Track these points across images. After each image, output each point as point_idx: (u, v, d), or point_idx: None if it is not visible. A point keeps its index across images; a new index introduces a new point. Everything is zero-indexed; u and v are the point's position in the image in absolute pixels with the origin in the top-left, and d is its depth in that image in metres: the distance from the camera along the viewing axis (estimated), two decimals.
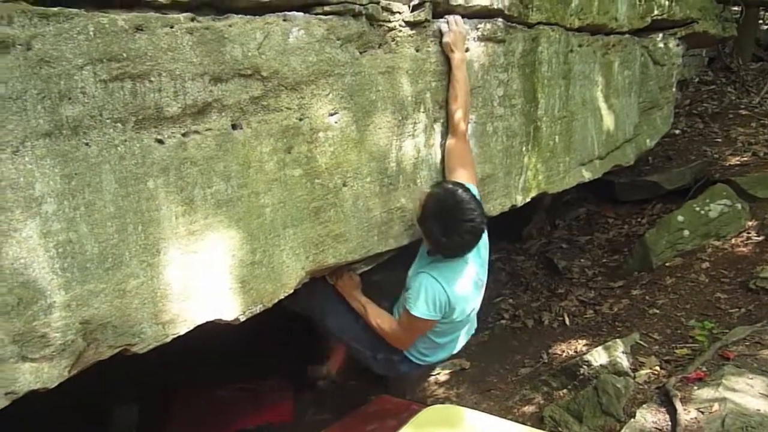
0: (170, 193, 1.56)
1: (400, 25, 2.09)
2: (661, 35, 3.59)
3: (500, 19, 2.42)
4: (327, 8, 1.86)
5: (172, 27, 1.51)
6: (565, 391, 2.85)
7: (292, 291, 1.90)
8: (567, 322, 3.80)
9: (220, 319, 1.72)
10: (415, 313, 2.19)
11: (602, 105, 3.22)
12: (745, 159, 4.87)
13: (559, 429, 2.58)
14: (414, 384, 3.58)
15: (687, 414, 2.19)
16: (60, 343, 1.39)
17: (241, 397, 4.04)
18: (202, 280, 1.65)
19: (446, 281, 2.20)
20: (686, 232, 3.96)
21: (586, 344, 3.45)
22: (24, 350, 1.34)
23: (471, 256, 2.29)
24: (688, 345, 2.93)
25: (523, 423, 2.83)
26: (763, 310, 3.11)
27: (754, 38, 7.16)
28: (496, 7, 2.36)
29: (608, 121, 3.28)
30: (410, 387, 3.56)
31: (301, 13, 1.79)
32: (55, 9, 1.33)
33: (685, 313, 3.37)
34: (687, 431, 2.09)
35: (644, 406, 2.34)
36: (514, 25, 2.52)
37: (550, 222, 5.34)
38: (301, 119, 1.84)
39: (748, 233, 3.92)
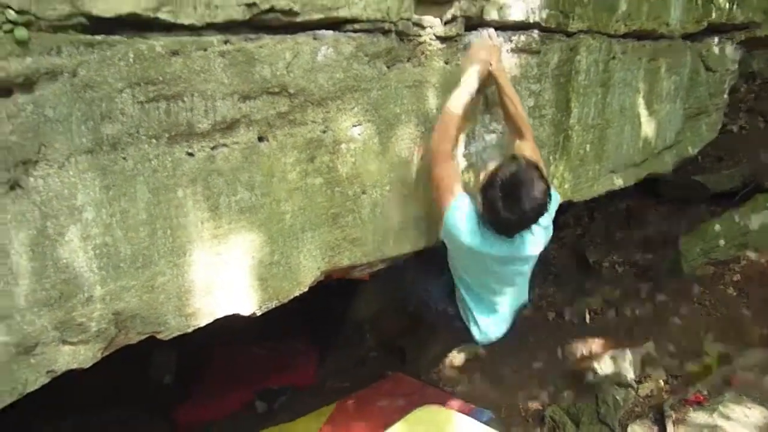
0: (197, 201, 1.72)
1: (431, 39, 2.14)
2: (717, 39, 3.45)
3: (536, 31, 2.43)
4: (357, 26, 1.92)
5: (205, 50, 1.63)
6: (569, 393, 2.95)
7: (306, 288, 2.06)
8: (587, 320, 3.87)
9: (238, 313, 1.90)
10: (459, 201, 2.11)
11: (643, 112, 3.17)
12: None
13: (557, 430, 2.71)
14: (429, 365, 3.76)
15: None
16: (95, 330, 1.60)
17: (269, 356, 4.34)
18: (223, 279, 1.82)
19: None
20: (722, 242, 3.90)
21: (601, 345, 3.53)
22: (64, 335, 1.55)
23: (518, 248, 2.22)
24: (699, 361, 2.97)
25: (525, 419, 2.98)
26: None
27: None
28: (532, 20, 2.36)
29: (647, 128, 3.23)
30: (425, 367, 3.74)
31: (330, 32, 1.88)
32: (100, 37, 1.47)
33: (706, 327, 3.38)
34: None
35: (638, 421, 2.43)
36: (551, 35, 2.51)
37: (589, 213, 5.31)
38: (325, 131, 1.95)
39: None
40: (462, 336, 2.54)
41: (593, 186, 3.01)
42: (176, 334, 1.78)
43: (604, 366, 2.84)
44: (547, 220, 2.26)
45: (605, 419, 2.55)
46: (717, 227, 3.91)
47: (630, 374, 2.79)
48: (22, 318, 1.47)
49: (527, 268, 2.42)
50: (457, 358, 3.77)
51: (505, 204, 2.01)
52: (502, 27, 2.31)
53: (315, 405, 3.46)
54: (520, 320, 4.09)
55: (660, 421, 2.37)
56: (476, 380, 3.51)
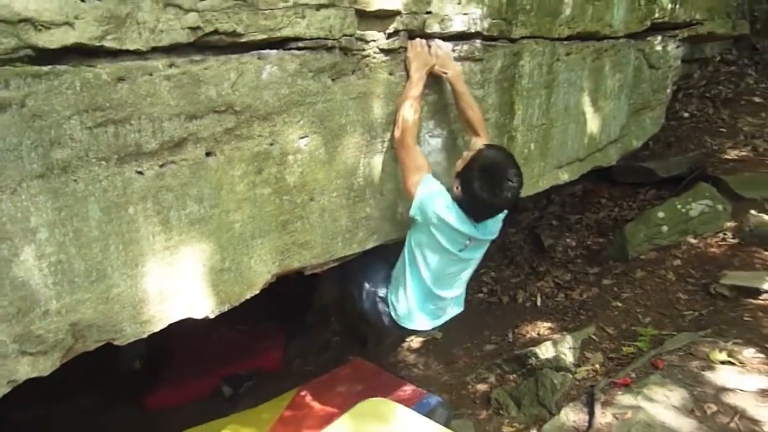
0: (148, 217, 1.82)
1: (374, 53, 2.24)
2: (660, 38, 3.60)
3: (478, 40, 2.54)
4: (301, 44, 2.02)
5: (151, 74, 1.71)
6: (514, 376, 3.16)
7: (258, 291, 2.19)
8: (538, 303, 4.08)
9: (192, 317, 2.02)
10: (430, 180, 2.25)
11: (588, 109, 3.32)
12: (744, 153, 4.90)
13: (501, 411, 2.92)
14: (388, 349, 3.94)
15: (603, 417, 2.48)
16: (52, 341, 1.70)
17: (237, 340, 4.47)
18: (176, 287, 1.94)
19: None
20: (665, 228, 4.12)
21: (549, 328, 3.74)
22: (23, 347, 1.65)
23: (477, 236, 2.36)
24: (635, 344, 3.19)
25: (473, 400, 3.19)
26: (715, 317, 3.32)
27: None
28: (474, 30, 2.48)
29: (592, 124, 3.39)
30: (384, 352, 3.92)
31: (275, 51, 1.97)
32: (47, 68, 1.54)
33: (645, 310, 3.60)
34: None
35: (571, 404, 2.63)
36: (494, 43, 2.63)
37: (546, 196, 5.50)
38: (272, 144, 2.06)
39: (725, 234, 4.06)
40: (384, 320, 2.66)
41: (538, 182, 3.17)
42: (132, 339, 1.89)
43: (545, 351, 3.04)
44: None
45: (543, 401, 2.75)
46: (660, 214, 4.12)
47: (569, 358, 3.00)
48: None
49: (480, 255, 2.56)
50: (414, 341, 3.96)
51: (486, 188, 2.18)
52: (445, 38, 2.42)
53: (280, 389, 3.60)
54: (477, 302, 4.34)
55: (591, 404, 2.58)
56: (431, 363, 3.70)
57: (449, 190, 2.30)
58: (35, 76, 1.52)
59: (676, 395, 2.56)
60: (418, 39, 2.33)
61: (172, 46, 1.78)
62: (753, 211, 4.02)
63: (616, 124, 3.58)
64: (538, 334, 3.67)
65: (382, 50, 2.25)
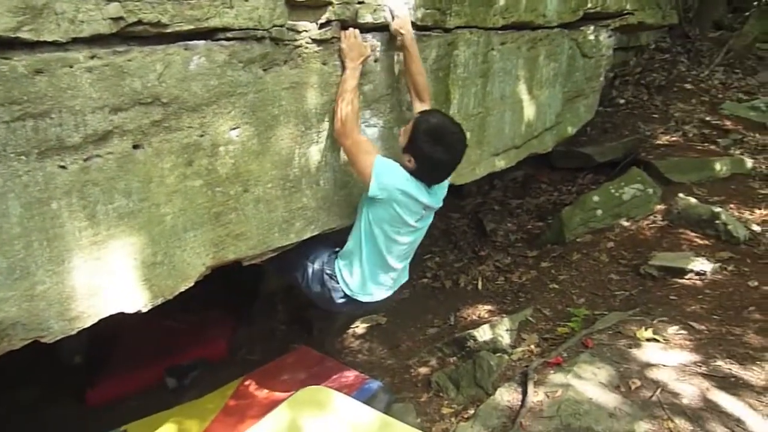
0: (73, 212, 1.78)
1: (307, 43, 2.24)
2: (592, 27, 3.72)
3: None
4: (230, 34, 2.00)
5: (71, 66, 1.67)
6: (454, 359, 3.25)
7: (192, 283, 2.18)
8: (479, 286, 4.19)
9: (123, 312, 2.00)
10: (382, 159, 2.32)
11: (524, 97, 3.42)
12: (675, 139, 5.14)
13: (441, 393, 3.00)
14: (333, 336, 3.98)
15: (535, 396, 2.59)
16: None
17: (181, 330, 4.42)
18: (106, 281, 1.91)
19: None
20: (599, 212, 4.29)
21: (489, 311, 3.86)
22: None
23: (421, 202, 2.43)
24: (569, 325, 3.33)
25: (415, 384, 3.27)
26: (643, 296, 3.50)
27: (718, 4, 7.19)
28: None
29: (528, 112, 3.49)
30: (330, 339, 3.96)
31: (202, 42, 1.94)
32: None
33: (579, 291, 3.76)
34: (530, 412, 2.50)
35: (505, 385, 2.74)
36: (428, 33, 2.66)
37: (489, 181, 5.62)
38: (202, 135, 2.04)
39: (655, 217, 4.26)
40: (334, 297, 2.66)
41: (475, 169, 3.24)
42: (60, 337, 1.86)
43: (483, 333, 3.15)
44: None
45: (480, 383, 2.85)
46: (595, 198, 4.29)
47: (506, 340, 3.11)
48: None
49: (429, 223, 2.64)
50: (360, 327, 4.02)
51: (440, 148, 2.31)
52: (378, 29, 2.44)
53: (225, 379, 3.60)
54: (421, 287, 4.42)
55: (524, 383, 2.69)
56: (376, 349, 3.77)
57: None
58: None
59: (604, 372, 2.70)
60: (351, 29, 2.34)
61: (94, 37, 1.74)
62: (681, 195, 4.23)
63: (551, 112, 3.69)
64: (479, 317, 3.78)
65: (314, 40, 2.26)
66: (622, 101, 5.87)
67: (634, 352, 2.85)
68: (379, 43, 2.47)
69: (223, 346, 4.28)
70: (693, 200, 4.14)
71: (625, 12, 3.82)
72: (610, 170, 5.04)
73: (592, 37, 3.71)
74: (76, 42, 1.71)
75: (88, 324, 1.91)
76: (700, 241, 3.92)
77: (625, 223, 4.27)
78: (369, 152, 2.34)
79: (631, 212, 4.29)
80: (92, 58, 1.72)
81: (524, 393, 2.62)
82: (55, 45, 1.67)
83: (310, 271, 2.70)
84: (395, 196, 2.33)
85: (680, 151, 4.92)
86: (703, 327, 3.03)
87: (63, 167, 1.73)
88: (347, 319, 4.07)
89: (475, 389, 2.86)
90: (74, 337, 4.76)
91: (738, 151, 4.85)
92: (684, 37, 6.77)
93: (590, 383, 2.63)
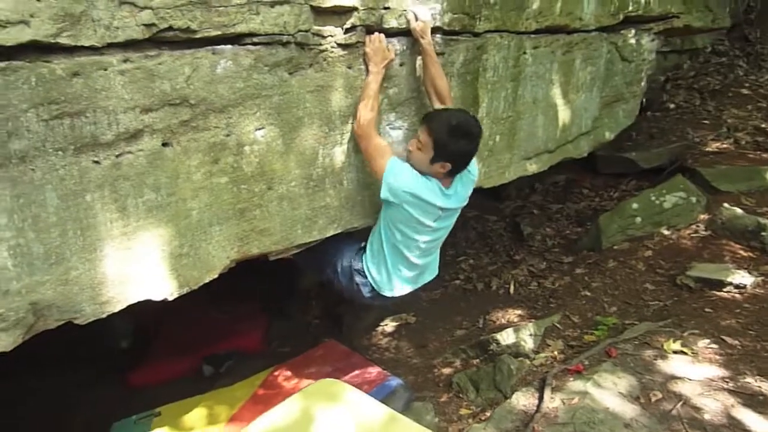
0: (105, 204, 1.92)
1: (332, 47, 2.32)
2: (633, 31, 3.64)
3: (438, 35, 2.61)
4: (256, 39, 2.10)
5: (105, 69, 1.81)
6: (477, 361, 3.27)
7: (217, 275, 2.30)
8: (511, 290, 4.17)
9: (151, 299, 2.13)
10: (395, 161, 2.39)
11: (558, 102, 3.39)
12: (725, 146, 4.95)
13: (461, 395, 3.03)
14: (363, 332, 4.06)
15: (551, 402, 2.58)
16: (14, 319, 1.82)
17: (220, 321, 4.60)
18: (135, 270, 2.04)
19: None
20: (638, 219, 4.19)
21: (519, 315, 3.84)
22: None
23: (446, 193, 2.50)
24: (595, 333, 3.28)
25: (437, 384, 3.30)
26: (678, 308, 3.41)
27: None
28: (433, 25, 2.54)
29: (563, 116, 3.45)
30: (358, 335, 4.04)
31: (229, 46, 2.05)
32: (3, 64, 1.64)
33: (612, 299, 3.69)
34: (544, 418, 2.50)
35: (523, 389, 2.74)
36: (456, 37, 2.69)
37: (530, 185, 5.57)
38: (228, 135, 2.15)
39: (698, 226, 4.12)
40: (363, 292, 2.75)
41: (504, 173, 3.24)
42: (92, 319, 2.00)
43: (506, 337, 3.14)
44: (473, 167, 2.62)
45: (499, 386, 2.86)
46: (634, 205, 4.19)
47: (529, 345, 3.10)
48: None
49: (453, 222, 2.70)
50: (389, 325, 4.07)
51: (464, 141, 2.37)
52: (403, 33, 2.49)
53: (257, 369, 3.74)
54: (453, 288, 4.44)
55: (542, 389, 2.68)
56: (403, 347, 3.82)
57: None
58: None
59: (624, 382, 2.66)
60: (376, 34, 2.40)
61: (128, 42, 1.87)
62: (726, 204, 4.08)
63: (587, 117, 3.64)
64: (508, 321, 3.77)
65: (339, 45, 2.33)
66: (672, 106, 5.69)
67: (659, 363, 2.79)
68: (404, 47, 2.52)
69: (259, 338, 4.43)
70: (738, 210, 3.99)
71: (670, 15, 3.71)
72: (655, 177, 4.89)
73: (633, 41, 3.63)
74: (111, 47, 1.84)
75: (117, 309, 2.05)
76: (744, 254, 3.78)
77: (666, 232, 4.15)
78: (384, 155, 2.40)
79: (672, 221, 4.16)
80: (125, 61, 1.85)
81: (540, 398, 2.61)
82: (92, 49, 1.81)
83: (339, 267, 2.80)
84: (405, 198, 2.39)
85: (730, 158, 4.73)
86: (736, 342, 2.93)
87: (97, 162, 1.87)
88: (377, 317, 4.14)
89: (494, 392, 2.87)
90: (122, 323, 5.06)
91: None
92: (743, 40, 6.48)
93: (609, 392, 2.60)
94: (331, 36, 2.30)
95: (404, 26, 2.46)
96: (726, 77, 5.96)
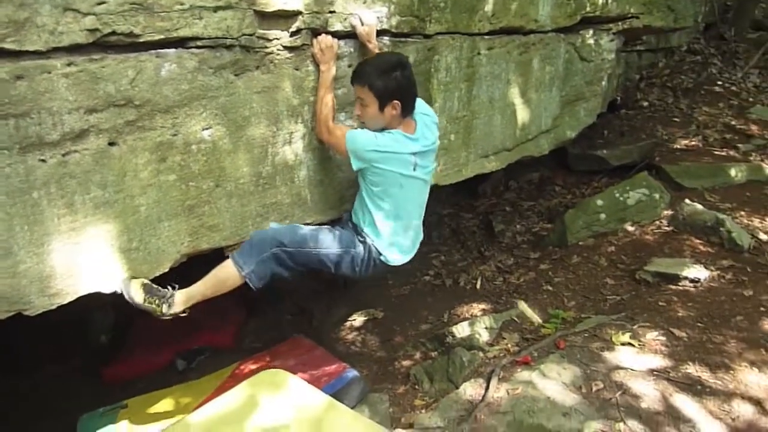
0: (52, 200, 2.01)
1: (278, 50, 2.41)
2: (591, 31, 3.72)
3: (386, 37, 2.70)
4: (199, 43, 2.19)
5: (49, 72, 1.90)
6: (435, 354, 3.35)
7: (168, 269, 2.39)
8: (478, 286, 4.26)
9: (100, 292, 2.23)
10: (350, 132, 2.46)
11: (515, 101, 3.47)
12: (693, 143, 5.04)
13: (416, 386, 3.12)
14: (331, 327, 4.15)
15: (497, 392, 2.67)
16: None
17: (194, 318, 4.68)
18: (83, 264, 2.13)
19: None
20: (603, 216, 4.28)
21: (482, 309, 3.93)
22: None
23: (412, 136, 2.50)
24: (547, 326, 3.36)
25: (396, 376, 3.39)
26: (634, 302, 3.49)
27: (757, 3, 6.90)
28: (379, 28, 2.63)
29: (521, 115, 3.54)
30: (327, 330, 4.13)
31: (173, 50, 2.14)
32: None
33: (572, 294, 3.78)
34: (488, 407, 2.59)
35: (471, 380, 2.82)
36: (404, 39, 2.78)
37: (505, 182, 5.66)
38: (175, 135, 2.23)
39: (661, 222, 4.21)
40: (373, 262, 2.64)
41: (461, 171, 3.33)
42: (41, 311, 2.09)
43: (461, 330, 3.23)
44: (428, 110, 2.69)
45: (451, 377, 2.94)
46: (599, 202, 4.28)
47: (483, 338, 3.18)
48: None
49: (432, 167, 2.66)
50: (357, 320, 4.17)
51: (397, 73, 2.38)
52: (350, 36, 2.58)
53: (228, 363, 3.84)
54: (422, 284, 4.53)
55: (489, 379, 2.77)
56: (369, 341, 3.91)
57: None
58: None
59: (569, 373, 2.75)
60: (323, 35, 2.49)
61: (72, 47, 1.96)
62: (687, 200, 4.16)
63: (547, 116, 3.72)
64: (471, 315, 3.85)
65: (285, 47, 2.42)
66: (645, 104, 5.78)
67: (606, 354, 2.88)
68: (351, 49, 2.61)
69: (231, 334, 4.52)
70: (699, 206, 4.07)
71: (629, 15, 3.79)
72: (626, 174, 4.98)
73: (591, 42, 3.71)
74: (56, 51, 1.93)
75: (66, 301, 2.14)
76: (703, 248, 3.86)
77: (630, 228, 4.24)
78: (343, 134, 2.46)
79: (636, 217, 4.25)
80: (69, 65, 1.94)
81: (486, 388, 2.70)
82: (37, 53, 1.90)
83: (333, 256, 2.58)
84: (371, 156, 2.40)
85: (697, 155, 4.82)
86: (683, 334, 3.02)
87: (43, 161, 1.96)
88: (346, 312, 4.23)
89: (447, 383, 2.96)
90: (102, 319, 5.13)
91: (758, 158, 4.70)
92: (719, 39, 6.56)
93: (553, 382, 2.68)
94: (277, 39, 2.39)
95: (349, 29, 2.55)
96: (699, 75, 6.04)
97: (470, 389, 2.76)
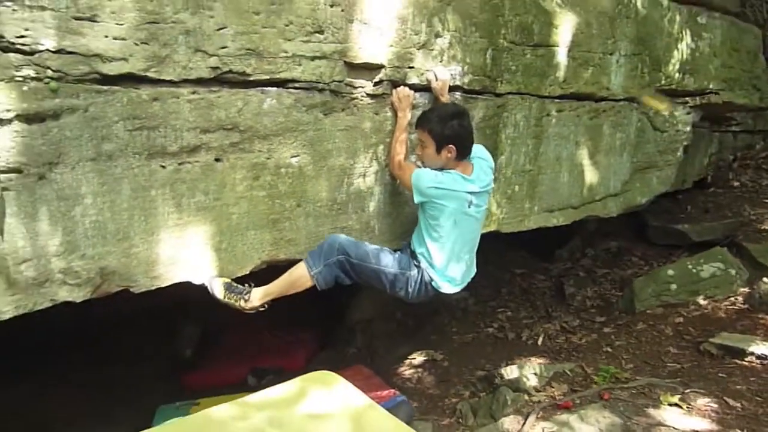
0: (165, 199, 2.48)
1: (362, 96, 2.83)
2: None
3: (458, 93, 3.05)
4: (297, 84, 2.65)
5: (177, 98, 2.41)
6: (483, 394, 3.47)
7: (248, 272, 2.78)
8: (539, 342, 4.32)
9: (191, 282, 2.65)
10: (417, 170, 2.78)
11: (584, 162, 3.66)
12: None
13: (461, 420, 3.24)
14: (391, 364, 4.36)
15: (532, 429, 2.76)
16: (85, 278, 2.38)
17: (273, 342, 5.10)
18: (182, 255, 2.57)
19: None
20: (674, 286, 4.24)
21: (538, 363, 3.98)
22: (65, 278, 2.35)
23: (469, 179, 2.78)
24: (596, 378, 3.38)
25: (444, 409, 3.53)
26: (694, 372, 3.44)
27: None
28: (452, 84, 2.99)
29: (589, 176, 3.71)
30: (387, 364, 4.34)
31: (275, 88, 2.61)
32: (105, 87, 2.27)
33: (631, 357, 3.76)
34: None
35: (511, 416, 2.92)
36: (475, 96, 3.12)
37: (582, 249, 5.71)
38: (268, 158, 2.68)
39: (736, 299, 4.11)
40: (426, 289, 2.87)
41: (524, 221, 3.53)
42: (144, 289, 2.53)
43: (510, 372, 3.33)
44: (486, 155, 2.95)
45: (494, 414, 3.05)
46: (670, 272, 4.26)
47: (531, 382, 3.26)
48: (39, 262, 2.28)
49: (485, 206, 2.92)
50: (417, 359, 4.35)
51: (455, 121, 2.70)
52: (425, 89, 2.96)
53: None
54: (485, 336, 4.65)
55: (527, 416, 2.85)
56: (425, 379, 4.07)
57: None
58: (98, 92, 2.25)
59: (608, 422, 2.78)
60: (402, 87, 2.89)
61: (197, 80, 2.48)
62: (765, 279, 4.05)
63: (616, 179, 3.86)
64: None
65: (368, 94, 2.84)
66: (736, 184, 5.67)
67: (650, 411, 2.88)
68: (425, 101, 2.99)
69: (303, 359, 4.86)
70: None
71: (708, 91, 3.90)
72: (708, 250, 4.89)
73: (665, 113, 3.85)
74: (185, 81, 2.46)
75: (164, 284, 2.58)
76: None
77: (702, 302, 4.17)
78: (411, 171, 2.79)
79: (710, 291, 4.18)
80: (193, 93, 2.44)
81: (523, 424, 2.79)
82: (170, 82, 2.43)
83: (390, 275, 2.84)
84: (432, 193, 2.70)
85: None
86: (738, 404, 2.96)
87: (163, 167, 2.45)
88: (408, 350, 4.43)
89: (489, 419, 3.07)
90: (191, 333, 5.69)
91: None
92: None
93: (591, 428, 2.73)
94: (362, 87, 2.81)
95: (425, 83, 2.93)
96: None
97: (507, 424, 2.87)
